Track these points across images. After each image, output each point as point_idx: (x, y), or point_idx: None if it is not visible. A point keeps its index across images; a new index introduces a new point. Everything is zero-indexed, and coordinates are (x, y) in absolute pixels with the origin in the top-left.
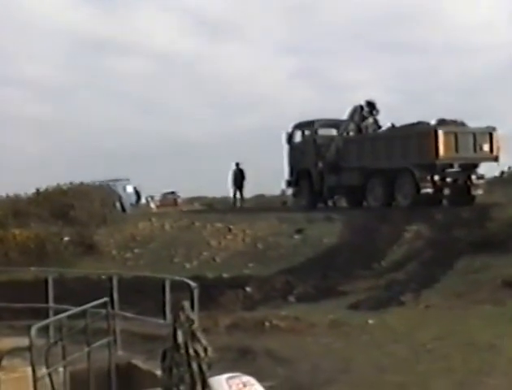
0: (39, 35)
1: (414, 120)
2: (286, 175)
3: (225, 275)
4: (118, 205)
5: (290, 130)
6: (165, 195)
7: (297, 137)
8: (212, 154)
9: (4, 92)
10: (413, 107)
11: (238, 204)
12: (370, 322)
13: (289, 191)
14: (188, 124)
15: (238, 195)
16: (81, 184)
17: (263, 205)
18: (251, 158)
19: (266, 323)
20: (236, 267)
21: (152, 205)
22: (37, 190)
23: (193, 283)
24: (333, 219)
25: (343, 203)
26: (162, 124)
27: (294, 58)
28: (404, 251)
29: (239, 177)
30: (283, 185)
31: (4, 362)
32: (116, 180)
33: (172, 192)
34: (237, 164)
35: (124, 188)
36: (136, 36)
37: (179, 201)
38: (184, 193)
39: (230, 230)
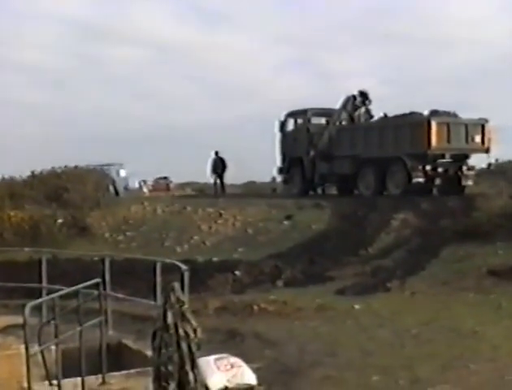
0: (38, 21)
1: (406, 111)
2: (278, 162)
3: (215, 259)
4: (111, 188)
5: (283, 118)
6: (157, 180)
7: (290, 125)
8: (205, 141)
9: (3, 77)
10: (404, 98)
11: (219, 192)
12: (357, 307)
13: (280, 178)
14: (182, 111)
15: (219, 183)
16: (76, 167)
17: (254, 192)
18: (241, 145)
19: (255, 307)
20: (226, 251)
21: (144, 189)
22: (32, 173)
23: (183, 266)
24: (322, 206)
25: (333, 191)
26: (157, 111)
27: (286, 48)
28: (391, 239)
29: (219, 165)
30: (274, 172)
31: None
32: (110, 165)
33: (165, 178)
34: (216, 152)
35: (118, 172)
36: (132, 24)
37: (171, 186)
38: (176, 179)
39: (221, 215)
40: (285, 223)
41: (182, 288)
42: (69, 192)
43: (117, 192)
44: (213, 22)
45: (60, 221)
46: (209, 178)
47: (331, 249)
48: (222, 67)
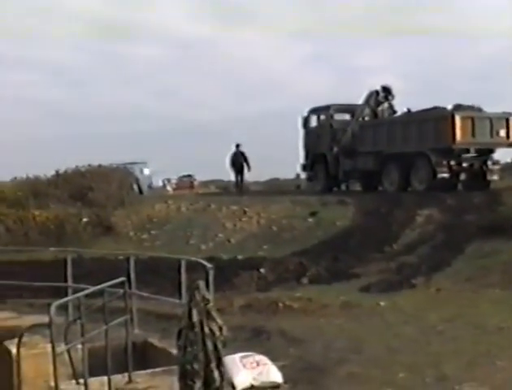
0: (56, 20)
1: (429, 105)
2: (301, 159)
3: (240, 257)
4: (135, 187)
5: (306, 114)
6: (181, 178)
7: (313, 122)
8: (228, 138)
9: (22, 76)
10: (427, 92)
11: (239, 189)
12: (382, 304)
13: (304, 174)
14: (203, 108)
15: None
16: (99, 166)
17: (277, 189)
18: (265, 141)
19: (280, 304)
20: (251, 249)
21: (168, 187)
22: (57, 172)
23: (208, 264)
24: (346, 203)
25: (357, 187)
26: (178, 108)
27: (309, 42)
28: (416, 235)
29: (240, 159)
30: (298, 169)
31: (24, 339)
32: (134, 163)
33: (189, 176)
34: (237, 145)
35: (141, 171)
36: (154, 22)
37: (195, 183)
38: (200, 176)
39: (245, 212)
40: (309, 219)
41: (207, 287)
42: (93, 191)
43: (141, 191)
44: (235, 18)
45: (85, 220)
46: (228, 172)
47: (355, 246)
48: (244, 63)
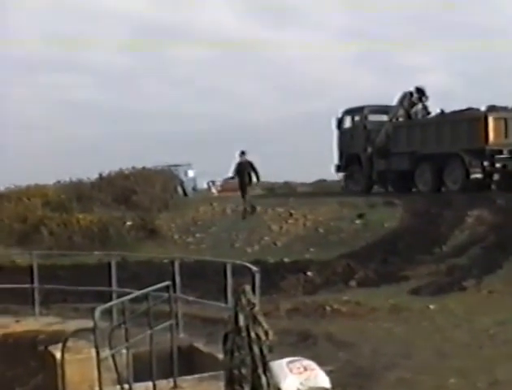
0: (102, 21)
1: (475, 105)
2: (335, 159)
3: (286, 260)
4: (179, 189)
5: (340, 115)
6: (226, 180)
7: (347, 123)
8: (275, 139)
9: (67, 78)
10: (472, 91)
11: (248, 207)
12: (432, 307)
13: (338, 175)
14: (250, 109)
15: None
16: (143, 168)
17: (324, 190)
18: (310, 143)
19: (327, 308)
20: (297, 252)
21: (213, 189)
22: (100, 175)
23: (254, 268)
24: (394, 204)
25: (387, 188)
26: (225, 110)
27: (353, 43)
28: (466, 236)
29: (247, 169)
30: (332, 170)
31: (69, 344)
32: (178, 165)
33: (234, 177)
34: (243, 153)
35: (186, 173)
36: (197, 23)
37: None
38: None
39: (291, 214)
40: (357, 221)
41: (253, 290)
42: (137, 194)
43: (185, 193)
44: (278, 18)
45: (129, 223)
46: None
47: (404, 248)
48: (290, 64)
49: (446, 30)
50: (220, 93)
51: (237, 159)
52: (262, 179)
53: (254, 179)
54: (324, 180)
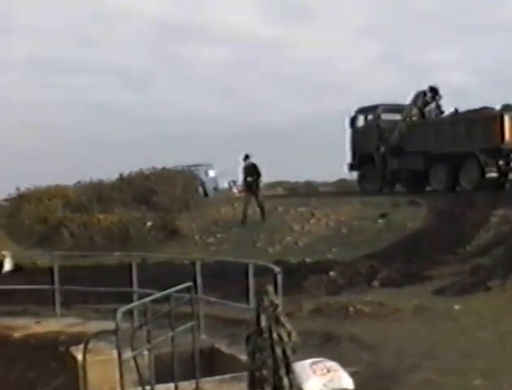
0: (122, 22)
1: (497, 103)
2: (348, 158)
3: (308, 260)
4: (200, 189)
5: (353, 114)
6: None
7: (360, 122)
8: (293, 139)
9: (87, 80)
10: (494, 90)
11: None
12: (456, 307)
13: (351, 174)
14: (268, 109)
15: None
16: (164, 169)
17: (346, 190)
18: (331, 142)
19: (350, 308)
20: (320, 252)
21: (234, 190)
22: (120, 175)
23: (276, 268)
24: (418, 203)
25: (401, 188)
26: (243, 110)
27: (373, 41)
28: (490, 236)
29: (252, 174)
30: (344, 168)
31: (90, 345)
32: (199, 165)
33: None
34: (247, 156)
35: (206, 173)
36: (216, 22)
37: (261, 185)
38: (266, 178)
39: (313, 214)
40: (380, 221)
41: (275, 291)
42: (158, 195)
43: (206, 194)
44: (298, 17)
45: (149, 224)
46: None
47: (427, 248)
48: (311, 63)
49: (470, 27)
50: (240, 92)
51: (242, 164)
52: (284, 179)
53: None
54: (345, 180)
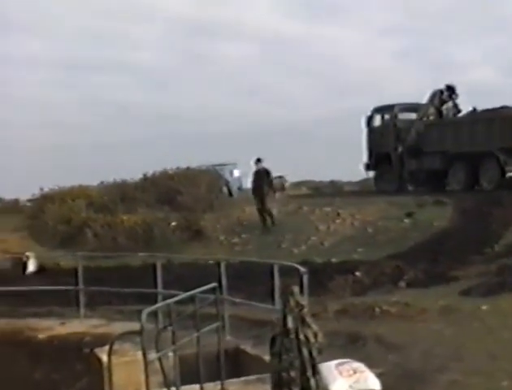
0: (143, 20)
1: None
2: (364, 158)
3: (334, 260)
4: (225, 189)
5: (369, 113)
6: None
7: (377, 121)
8: (319, 137)
9: (105, 78)
10: None
11: (268, 221)
12: (483, 308)
13: (367, 174)
14: (293, 107)
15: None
16: (188, 168)
17: (371, 189)
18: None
19: (376, 309)
20: (345, 252)
21: None
22: (144, 175)
23: (302, 268)
24: (444, 203)
25: (417, 187)
26: (267, 108)
27: (398, 38)
28: None
29: (262, 179)
30: (361, 168)
31: (115, 346)
32: (223, 165)
33: (279, 177)
34: (259, 160)
35: (231, 173)
36: (237, 19)
37: (286, 185)
38: (290, 177)
39: (339, 214)
40: (406, 221)
41: (301, 291)
42: (182, 195)
43: (231, 193)
44: (320, 14)
45: (173, 224)
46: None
47: (454, 248)
48: (331, 61)
49: (495, 25)
50: (263, 90)
51: (253, 167)
52: (308, 178)
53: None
54: (368, 179)
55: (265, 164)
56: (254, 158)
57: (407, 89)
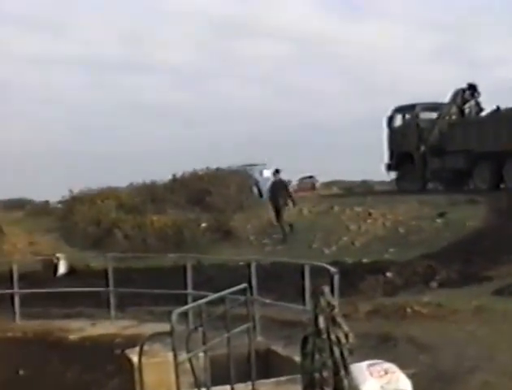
0: (174, 21)
1: None
2: (385, 158)
3: (365, 260)
4: (255, 190)
5: (390, 114)
6: (302, 179)
7: (398, 121)
8: (352, 137)
9: (139, 79)
10: None
11: (286, 229)
12: None
13: (389, 174)
14: (325, 106)
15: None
16: (218, 169)
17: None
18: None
19: (408, 309)
20: (376, 252)
21: (290, 189)
22: (174, 176)
23: (333, 269)
24: (477, 202)
25: (438, 186)
26: (299, 107)
27: (433, 36)
28: None
29: (279, 190)
30: (382, 168)
31: (145, 347)
32: (253, 165)
33: (310, 177)
34: (277, 171)
35: (261, 173)
36: (273, 19)
37: (317, 185)
38: (321, 177)
39: (370, 214)
40: (438, 220)
41: (332, 292)
42: (212, 195)
43: (261, 194)
44: (356, 13)
45: (204, 225)
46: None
47: (487, 248)
48: (367, 60)
49: None
50: (293, 89)
51: (271, 178)
52: (340, 178)
53: (290, 203)
54: None
55: (295, 164)
56: (273, 169)
57: (441, 87)
